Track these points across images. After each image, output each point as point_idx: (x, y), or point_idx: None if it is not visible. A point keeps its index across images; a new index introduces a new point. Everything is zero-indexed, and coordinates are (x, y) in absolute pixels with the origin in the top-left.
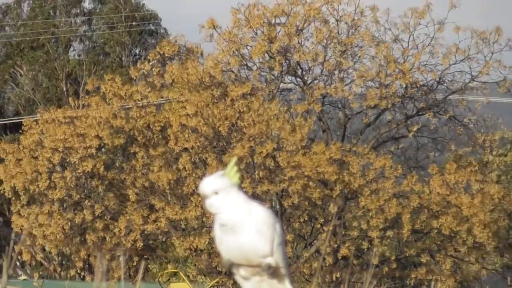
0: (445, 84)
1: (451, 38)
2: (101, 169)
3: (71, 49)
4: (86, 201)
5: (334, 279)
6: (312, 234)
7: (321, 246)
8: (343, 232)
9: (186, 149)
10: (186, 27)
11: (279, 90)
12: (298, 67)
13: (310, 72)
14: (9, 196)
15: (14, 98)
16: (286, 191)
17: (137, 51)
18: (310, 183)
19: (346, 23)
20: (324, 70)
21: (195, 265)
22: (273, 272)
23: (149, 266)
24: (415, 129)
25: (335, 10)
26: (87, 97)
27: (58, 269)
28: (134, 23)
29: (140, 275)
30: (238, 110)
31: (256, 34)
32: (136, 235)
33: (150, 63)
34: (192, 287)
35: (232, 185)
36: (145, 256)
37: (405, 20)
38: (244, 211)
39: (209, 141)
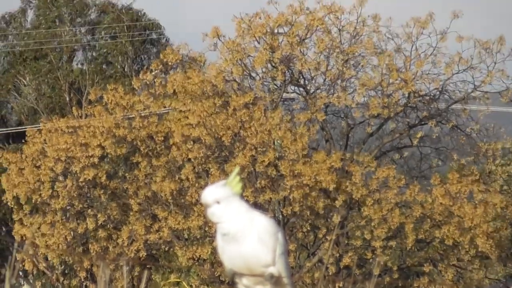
0: (448, 94)
1: (453, 48)
2: (103, 178)
3: (74, 59)
4: (89, 210)
5: None
6: (315, 243)
7: (323, 255)
8: (346, 242)
9: (189, 159)
10: (187, 36)
11: (282, 99)
12: (301, 77)
13: (313, 82)
14: (12, 206)
15: (17, 107)
16: (287, 199)
17: (140, 60)
18: (313, 192)
19: (349, 32)
20: (327, 79)
21: (198, 274)
22: (275, 281)
23: (152, 276)
24: (419, 135)
25: (338, 19)
26: (89, 106)
27: (61, 279)
28: (136, 32)
29: (143, 285)
30: (240, 120)
31: (259, 43)
32: (139, 245)
33: (153, 73)
34: None
35: (234, 195)
36: (148, 266)
37: (408, 30)
38: (246, 220)
39: (212, 151)
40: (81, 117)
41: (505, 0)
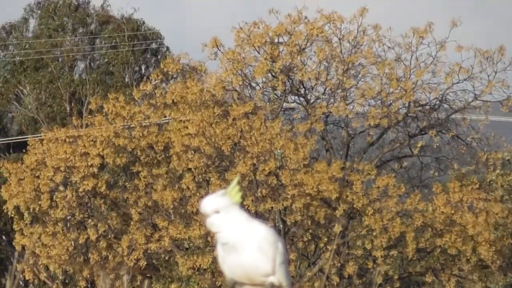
0: (448, 103)
1: (453, 57)
2: (103, 188)
3: (75, 68)
4: (90, 220)
5: None
6: (316, 253)
7: (324, 265)
8: (347, 251)
9: (189, 169)
10: (189, 45)
11: (282, 109)
12: (301, 86)
13: (313, 91)
14: (12, 215)
15: (18, 117)
16: (288, 209)
17: (139, 70)
18: (314, 202)
19: (349, 41)
20: (327, 89)
21: (198, 284)
22: None
23: (152, 285)
24: (419, 145)
25: (338, 29)
26: (90, 116)
27: None
28: (137, 42)
29: None
30: (240, 130)
31: (259, 53)
32: (139, 254)
33: (153, 83)
34: None
35: (233, 204)
36: (148, 275)
37: (407, 40)
38: (245, 230)
39: (212, 160)
40: (81, 126)
41: (506, 9)
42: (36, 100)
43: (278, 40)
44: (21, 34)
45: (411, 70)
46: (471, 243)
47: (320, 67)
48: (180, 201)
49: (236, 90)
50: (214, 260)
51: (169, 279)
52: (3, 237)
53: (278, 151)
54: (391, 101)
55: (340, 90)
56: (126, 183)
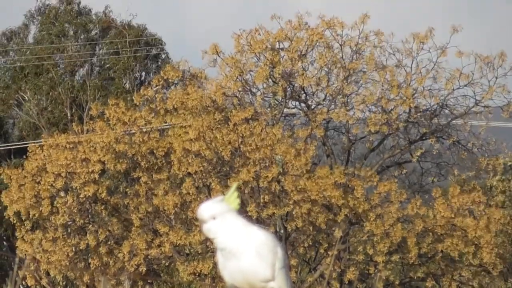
0: (449, 109)
1: (454, 63)
2: (104, 194)
3: (76, 74)
4: (90, 226)
5: None
6: (317, 258)
7: (325, 270)
8: (348, 257)
9: (189, 174)
10: (190, 51)
11: (283, 115)
12: (302, 92)
13: (314, 97)
14: (13, 222)
15: (19, 123)
16: (290, 215)
17: (140, 75)
18: (315, 207)
19: (350, 47)
20: (328, 95)
21: None
22: None
23: None
24: (418, 153)
25: (339, 35)
26: (91, 122)
27: None
28: (139, 47)
29: None
30: (240, 135)
31: (259, 59)
32: (140, 260)
33: (154, 89)
34: None
35: (230, 210)
36: (149, 281)
37: (408, 45)
38: (243, 235)
39: (213, 166)
40: (82, 132)
41: (505, 16)
42: (37, 106)
43: (279, 46)
44: (21, 41)
45: (411, 76)
46: (472, 247)
47: (321, 72)
48: (180, 206)
49: (236, 96)
50: (215, 266)
51: (170, 285)
52: (4, 242)
53: (279, 157)
54: (392, 107)
55: (340, 96)
56: (127, 189)
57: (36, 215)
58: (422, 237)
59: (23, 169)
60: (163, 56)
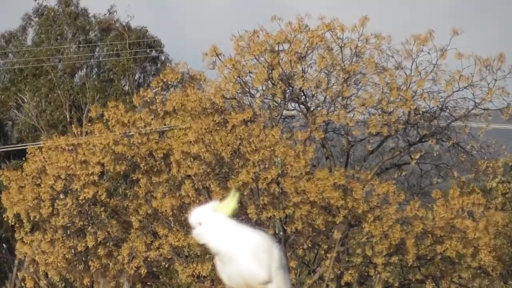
0: (448, 111)
1: (454, 65)
2: (103, 196)
3: (75, 76)
4: (90, 227)
5: None
6: (316, 260)
7: (324, 272)
8: (347, 259)
9: (189, 176)
10: (188, 52)
11: (282, 117)
12: (302, 94)
13: (314, 99)
14: (13, 223)
15: (18, 125)
16: (290, 217)
17: (140, 78)
18: (314, 209)
19: (350, 49)
20: (327, 97)
21: None
22: None
23: None
24: (417, 156)
25: (339, 38)
26: (89, 124)
27: None
28: (139, 49)
29: None
30: (240, 137)
31: (258, 61)
32: (139, 262)
33: (154, 91)
34: None
35: (220, 215)
36: (148, 283)
37: (408, 47)
38: (235, 238)
39: (212, 168)
40: (81, 134)
41: (505, 18)
42: (36, 108)
43: (278, 48)
44: (20, 43)
45: (411, 78)
46: (471, 249)
47: (320, 74)
48: (179, 208)
49: (235, 98)
50: (214, 268)
51: (169, 287)
52: (4, 244)
53: (278, 158)
54: (392, 109)
55: (340, 98)
56: (126, 191)
57: (38, 217)
58: (421, 239)
59: (22, 171)
60: (163, 58)
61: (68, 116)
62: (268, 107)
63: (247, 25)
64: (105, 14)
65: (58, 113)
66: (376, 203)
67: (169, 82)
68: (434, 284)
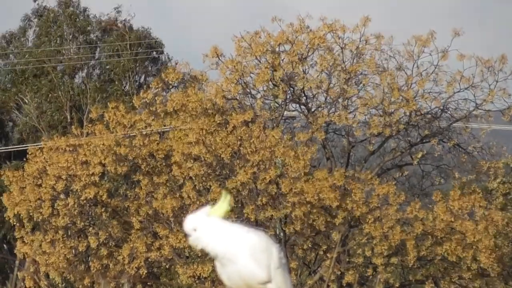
0: (449, 112)
1: (455, 66)
2: (104, 196)
3: (76, 77)
4: (90, 228)
5: None
6: (316, 261)
7: (325, 273)
8: (347, 259)
9: (189, 177)
10: (188, 53)
11: (283, 118)
12: (303, 95)
13: (315, 100)
14: (14, 224)
15: (19, 125)
16: (289, 217)
17: (140, 78)
18: (314, 210)
19: (351, 50)
20: (328, 97)
21: None
22: None
23: None
24: (419, 156)
25: (340, 38)
26: (90, 125)
27: None
28: (139, 50)
29: None
30: (240, 138)
31: (260, 62)
32: (140, 262)
33: (154, 91)
34: None
35: (214, 218)
36: (149, 284)
37: (409, 48)
38: (232, 239)
39: (212, 169)
40: (82, 135)
41: (506, 19)
42: (36, 109)
43: (279, 48)
44: (21, 44)
45: (412, 79)
46: (471, 251)
47: (321, 75)
48: (180, 209)
49: (236, 99)
50: (214, 269)
51: None
52: (4, 245)
53: (279, 159)
54: (393, 110)
55: (341, 99)
56: (127, 192)
57: (39, 218)
58: (421, 240)
59: (23, 171)
60: (164, 58)
61: (68, 117)
62: (269, 108)
63: (248, 26)
64: (108, 14)
65: (58, 114)
66: (376, 203)
67: (170, 82)
68: (434, 285)
